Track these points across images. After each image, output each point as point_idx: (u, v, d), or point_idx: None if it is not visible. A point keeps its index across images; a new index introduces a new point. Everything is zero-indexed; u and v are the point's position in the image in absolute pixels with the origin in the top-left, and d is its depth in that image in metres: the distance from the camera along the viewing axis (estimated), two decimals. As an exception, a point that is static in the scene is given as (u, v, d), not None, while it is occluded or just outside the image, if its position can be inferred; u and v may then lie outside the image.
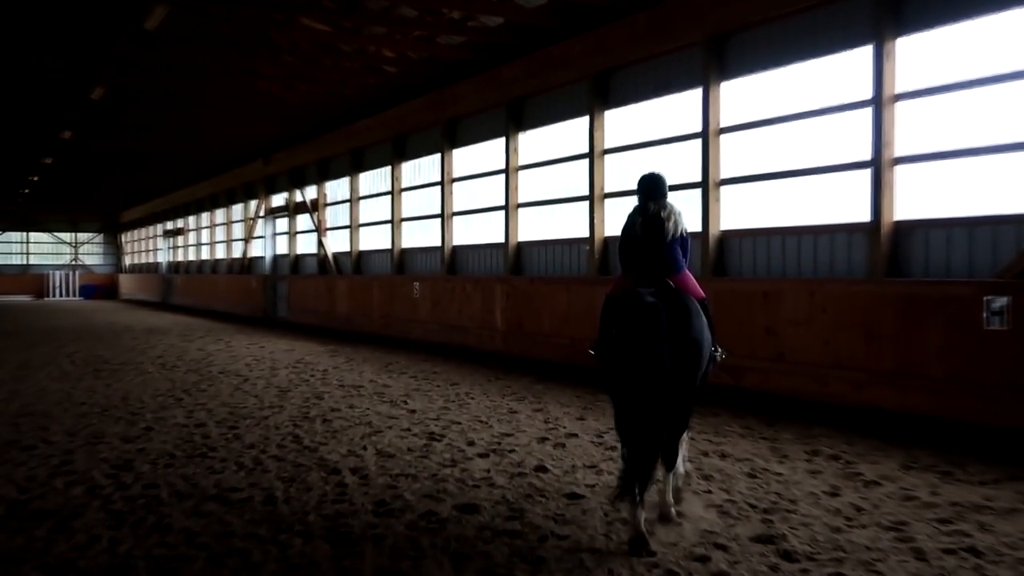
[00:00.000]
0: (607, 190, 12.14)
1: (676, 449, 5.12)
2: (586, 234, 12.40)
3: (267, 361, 14.08)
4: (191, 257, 34.87)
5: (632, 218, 5.39)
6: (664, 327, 4.79)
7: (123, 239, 47.33)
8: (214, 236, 31.53)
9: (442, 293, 15.47)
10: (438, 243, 16.25)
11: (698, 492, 5.85)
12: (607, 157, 12.15)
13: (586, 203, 12.39)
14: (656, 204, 5.36)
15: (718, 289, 9.79)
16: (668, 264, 5.26)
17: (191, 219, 34.74)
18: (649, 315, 4.79)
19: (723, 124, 10.26)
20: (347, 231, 20.26)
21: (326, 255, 21.35)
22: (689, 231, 5.59)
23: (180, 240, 36.53)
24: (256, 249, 27.14)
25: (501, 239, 14.45)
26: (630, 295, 4.99)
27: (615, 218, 12.06)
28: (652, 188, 5.41)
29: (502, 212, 14.36)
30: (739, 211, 10.22)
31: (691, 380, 4.93)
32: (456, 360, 13.88)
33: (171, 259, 37.99)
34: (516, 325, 13.39)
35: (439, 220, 16.15)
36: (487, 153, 15.03)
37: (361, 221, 19.82)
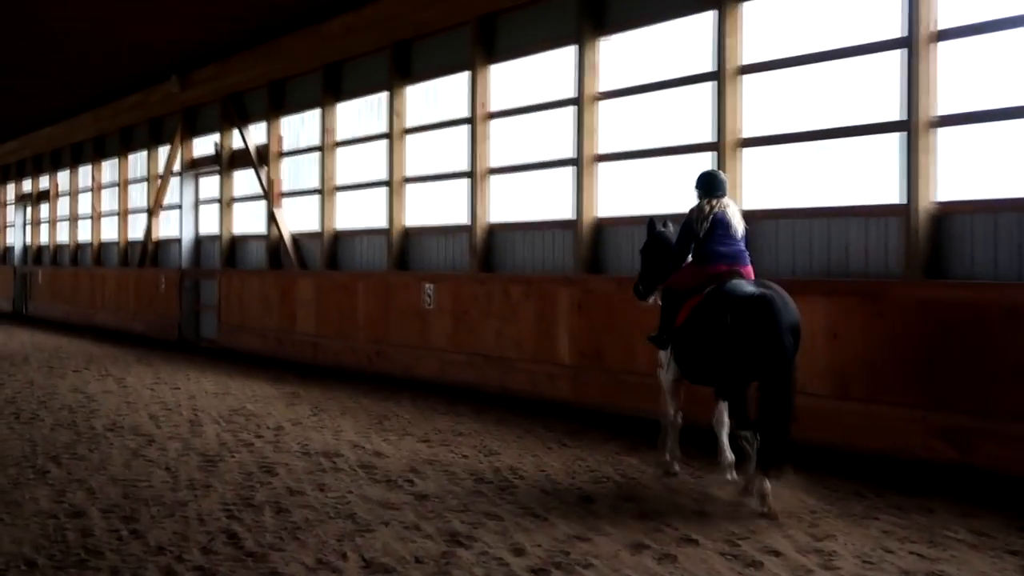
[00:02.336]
0: (746, 134, 12.10)
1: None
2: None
3: (185, 411, 14.25)
4: (62, 239, 35.42)
5: (695, 214, 9.46)
6: (780, 314, 8.51)
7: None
8: (99, 204, 32.04)
9: (471, 302, 15.53)
10: (464, 219, 16.33)
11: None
12: (745, 78, 12.13)
13: (711, 154, 12.37)
14: (719, 201, 9.44)
15: (929, 299, 9.70)
16: (740, 257, 9.37)
17: (62, 176, 35.30)
18: (769, 303, 8.53)
19: (942, 25, 10.18)
20: (316, 199, 20.44)
21: (281, 237, 21.56)
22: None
23: (44, 210, 37.05)
24: (168, 226, 27.49)
25: (569, 214, 14.48)
26: (735, 285, 8.91)
27: (765, 177, 12.04)
28: (712, 185, 9.55)
29: (570, 169, 14.39)
30: (967, 170, 10.13)
31: (795, 361, 8.64)
32: (495, 412, 13.90)
33: (29, 241, 38.54)
34: (593, 356, 13.39)
35: (467, 181, 16.24)
36: (543, 68, 15.08)
37: (339, 182, 19.98)
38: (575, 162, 14.18)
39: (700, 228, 9.39)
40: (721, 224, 9.37)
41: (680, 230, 9.71)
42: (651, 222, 10.53)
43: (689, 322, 9.22)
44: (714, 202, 9.44)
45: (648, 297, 10.57)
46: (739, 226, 9.43)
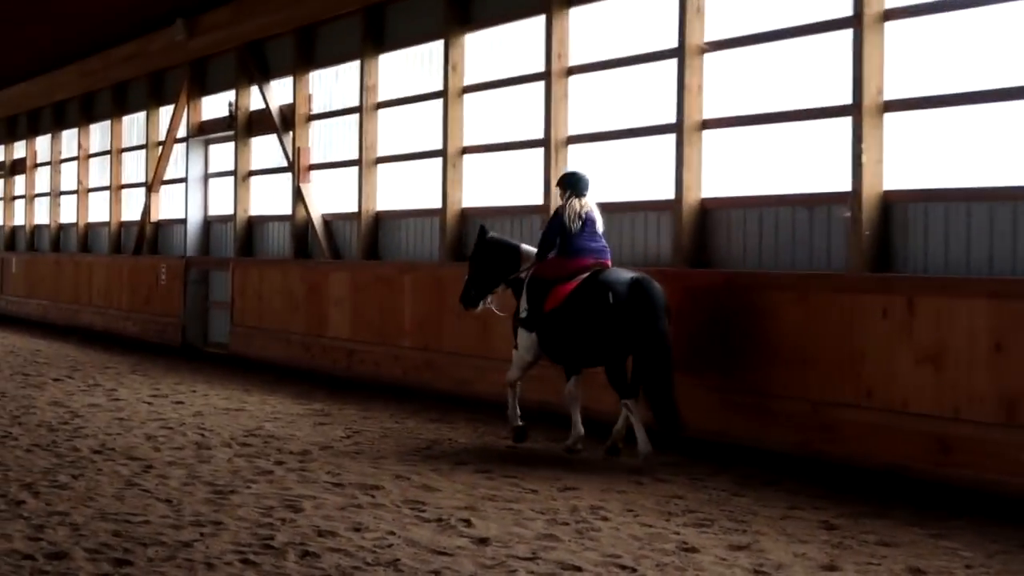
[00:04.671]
0: (888, 97, 12.06)
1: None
2: (841, 186, 12.40)
3: (190, 431, 14.35)
4: (40, 219, 35.79)
5: (567, 212, 12.82)
6: (656, 294, 12.11)
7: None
8: (86, 177, 32.34)
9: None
10: (538, 199, 16.31)
11: None
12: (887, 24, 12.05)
13: (847, 119, 12.33)
14: (586, 201, 12.91)
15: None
16: (604, 252, 12.92)
17: (41, 143, 35.67)
18: (645, 285, 12.10)
19: None
20: (353, 172, 20.53)
21: (309, 219, 21.64)
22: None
23: (19, 184, 37.37)
24: (170, 205, 27.67)
25: (668, 192, 14.49)
26: (611, 272, 12.55)
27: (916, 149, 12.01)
28: (580, 185, 13.05)
29: (671, 136, 14.37)
30: None
31: (669, 335, 12.20)
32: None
33: (0, 223, 38.79)
34: (698, 373, 13.31)
35: (540, 152, 16.21)
36: (635, 12, 15.14)
37: (382, 152, 20.04)
38: (676, 128, 14.16)
39: (572, 225, 12.76)
40: (589, 222, 12.87)
41: (550, 226, 13.04)
42: (482, 229, 13.89)
43: (565, 306, 12.49)
44: (583, 201, 12.91)
45: (479, 304, 13.72)
46: (600, 224, 12.97)
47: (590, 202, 12.97)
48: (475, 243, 13.93)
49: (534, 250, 13.34)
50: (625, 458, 12.38)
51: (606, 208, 15.32)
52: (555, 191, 15.79)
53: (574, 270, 12.66)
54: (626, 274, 12.38)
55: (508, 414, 13.51)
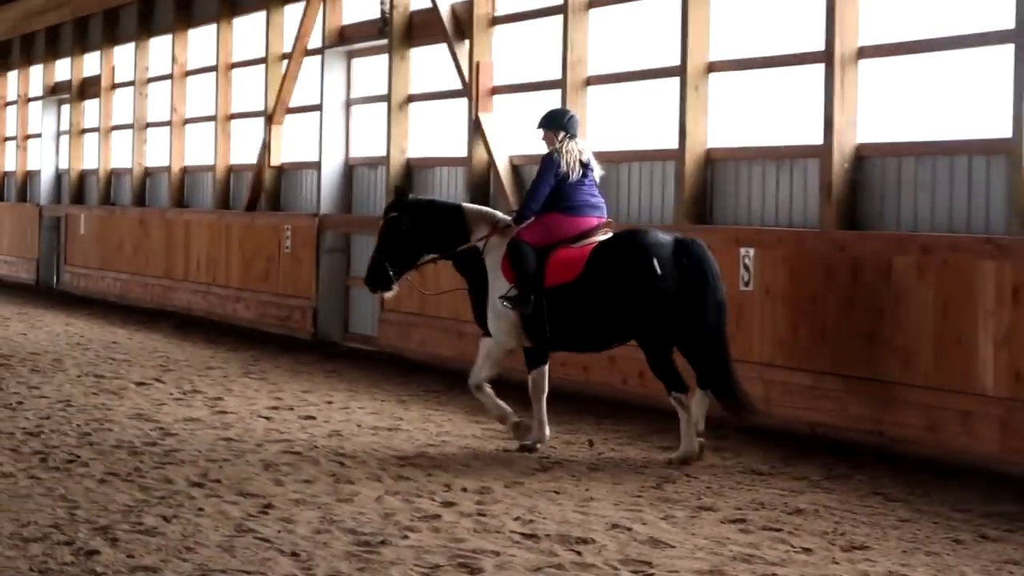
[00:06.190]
0: None
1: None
2: None
3: (324, 458, 14.55)
4: (120, 161, 36.39)
5: (564, 158, 14.44)
6: (712, 258, 14.23)
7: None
8: (181, 104, 32.88)
9: (823, 281, 15.43)
10: (812, 136, 16.25)
11: None
12: None
13: None
14: (583, 144, 14.86)
15: None
16: (602, 206, 14.91)
17: (120, 55, 36.27)
18: (697, 249, 14.04)
19: None
20: (555, 96, 20.48)
21: (492, 162, 21.72)
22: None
23: (91, 112, 38.01)
24: (298, 143, 27.98)
25: (999, 128, 14.31)
26: (644, 233, 14.54)
27: None
28: (572, 123, 14.92)
29: (1008, 48, 14.21)
30: None
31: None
32: (861, 474, 13.84)
33: (65, 165, 39.41)
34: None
35: (820, 68, 16.12)
36: None
37: (593, 71, 20.06)
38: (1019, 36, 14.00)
39: (573, 174, 14.45)
40: (590, 170, 14.70)
41: (541, 177, 14.58)
42: (401, 191, 15.75)
43: (584, 279, 14.09)
44: (581, 145, 14.73)
45: (394, 285, 15.42)
46: (599, 173, 14.95)
47: (587, 147, 15.00)
48: (390, 206, 15.66)
49: (486, 210, 15.48)
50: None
51: (911, 151, 15.31)
52: (840, 122, 15.80)
53: (575, 233, 14.54)
54: (662, 235, 14.28)
55: (495, 414, 15.45)
